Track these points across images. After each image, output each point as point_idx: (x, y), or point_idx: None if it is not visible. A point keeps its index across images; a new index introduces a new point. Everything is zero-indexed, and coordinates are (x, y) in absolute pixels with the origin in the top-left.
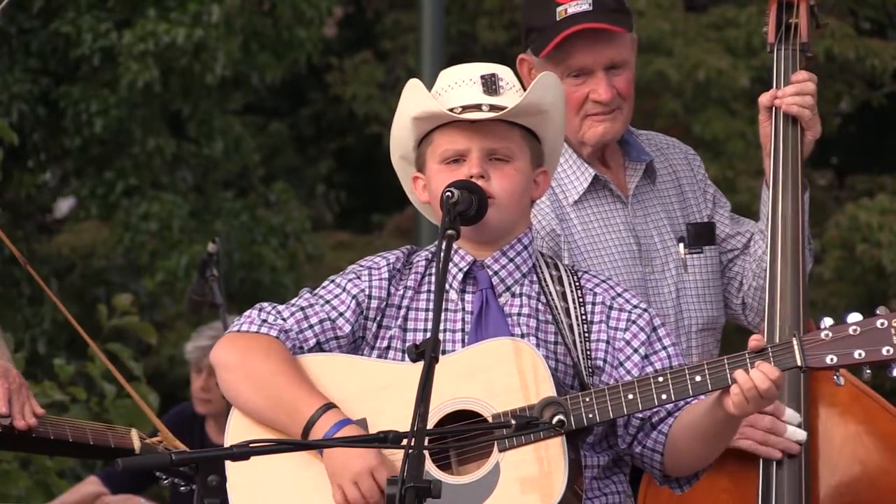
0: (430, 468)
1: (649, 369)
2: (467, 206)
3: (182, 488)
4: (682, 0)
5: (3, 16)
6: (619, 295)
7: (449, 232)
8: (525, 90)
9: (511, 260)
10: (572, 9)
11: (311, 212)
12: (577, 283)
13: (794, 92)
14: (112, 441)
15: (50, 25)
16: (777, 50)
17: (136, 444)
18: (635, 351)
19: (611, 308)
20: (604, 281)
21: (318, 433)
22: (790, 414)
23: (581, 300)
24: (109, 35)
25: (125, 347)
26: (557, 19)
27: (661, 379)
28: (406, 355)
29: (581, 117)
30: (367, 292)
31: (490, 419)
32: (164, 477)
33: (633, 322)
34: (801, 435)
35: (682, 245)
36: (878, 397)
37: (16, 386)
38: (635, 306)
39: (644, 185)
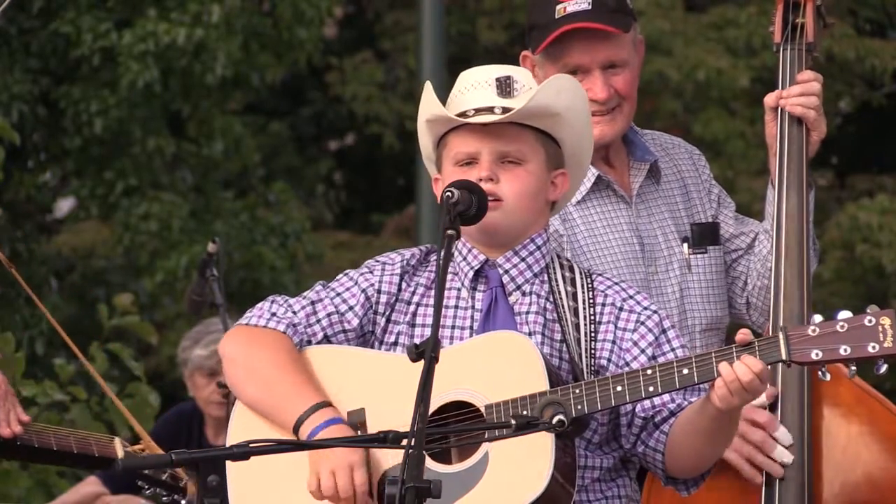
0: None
1: None
2: (467, 206)
3: (164, 499)
4: (682, 0)
5: (3, 16)
6: (631, 297)
7: (449, 232)
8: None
9: (523, 259)
10: (571, 7)
11: (311, 212)
12: (590, 285)
13: (799, 92)
14: (95, 450)
15: (50, 25)
16: (783, 50)
17: (120, 452)
18: (642, 352)
19: (621, 309)
20: (617, 283)
21: (305, 430)
22: (782, 432)
23: (591, 301)
24: (109, 35)
25: (126, 347)
26: (556, 17)
27: (649, 371)
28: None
29: None
30: (376, 286)
31: (483, 409)
32: (146, 487)
33: (642, 323)
34: (788, 458)
35: (686, 245)
36: (882, 398)
37: (1, 393)
38: (645, 308)
39: (648, 184)
